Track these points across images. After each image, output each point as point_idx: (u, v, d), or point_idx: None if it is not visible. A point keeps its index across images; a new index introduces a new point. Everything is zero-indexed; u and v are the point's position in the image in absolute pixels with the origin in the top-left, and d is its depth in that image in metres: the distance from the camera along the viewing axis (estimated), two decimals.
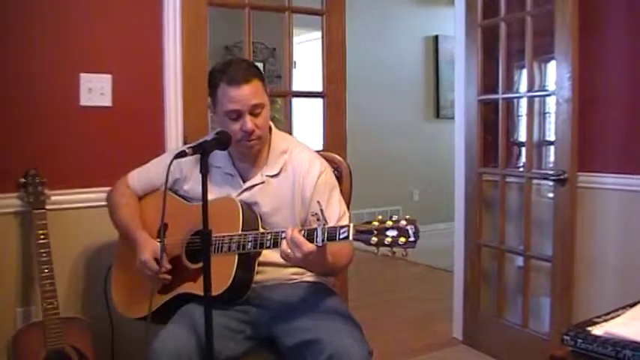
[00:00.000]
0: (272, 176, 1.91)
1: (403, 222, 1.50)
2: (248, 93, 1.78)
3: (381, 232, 1.50)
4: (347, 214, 1.92)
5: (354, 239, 1.53)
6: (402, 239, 1.48)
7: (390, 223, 1.50)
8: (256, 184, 1.90)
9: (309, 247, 1.56)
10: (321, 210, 1.56)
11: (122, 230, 1.99)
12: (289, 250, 1.58)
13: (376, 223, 1.52)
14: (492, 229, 3.20)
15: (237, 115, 1.79)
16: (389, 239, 1.49)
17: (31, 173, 2.14)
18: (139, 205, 2.03)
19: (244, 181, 1.92)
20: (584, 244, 2.68)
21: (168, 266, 1.85)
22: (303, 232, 1.59)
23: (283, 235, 1.63)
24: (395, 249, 1.50)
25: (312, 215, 1.60)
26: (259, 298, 1.86)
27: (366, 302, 3.41)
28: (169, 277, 1.85)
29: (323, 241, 1.55)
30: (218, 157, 1.91)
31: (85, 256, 2.36)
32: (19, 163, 2.17)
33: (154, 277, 1.81)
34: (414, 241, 1.48)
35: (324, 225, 1.55)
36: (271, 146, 1.94)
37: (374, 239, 1.50)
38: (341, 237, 1.54)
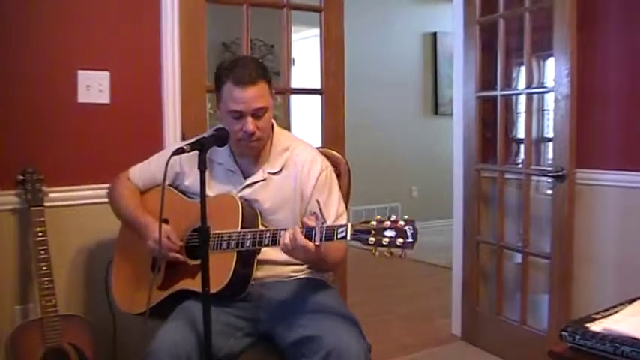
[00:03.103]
0: (273, 174, 1.91)
1: (401, 222, 1.50)
2: (252, 95, 1.77)
3: (379, 232, 1.50)
4: (345, 214, 1.92)
5: (351, 239, 1.54)
6: (400, 240, 1.48)
7: (388, 223, 1.50)
8: (257, 182, 1.90)
9: (308, 245, 1.57)
10: (320, 209, 1.57)
11: (126, 218, 1.98)
12: (290, 247, 1.61)
13: (374, 223, 1.52)
14: (491, 225, 3.20)
15: (240, 116, 1.79)
16: (386, 239, 1.49)
17: (28, 170, 2.14)
18: (141, 199, 2.02)
19: (245, 178, 1.92)
20: (582, 240, 2.68)
21: (181, 243, 1.84)
22: (302, 230, 1.60)
23: (282, 232, 1.65)
24: (393, 249, 1.49)
25: (312, 214, 1.61)
26: (258, 295, 1.86)
27: (364, 298, 3.41)
28: (181, 256, 1.84)
29: (321, 239, 1.56)
30: (219, 154, 1.91)
31: (84, 253, 2.36)
32: (16, 160, 2.17)
33: (165, 256, 1.81)
34: (412, 242, 1.48)
35: (322, 224, 1.56)
36: (273, 143, 1.93)
37: (371, 239, 1.50)
38: (339, 236, 1.55)
